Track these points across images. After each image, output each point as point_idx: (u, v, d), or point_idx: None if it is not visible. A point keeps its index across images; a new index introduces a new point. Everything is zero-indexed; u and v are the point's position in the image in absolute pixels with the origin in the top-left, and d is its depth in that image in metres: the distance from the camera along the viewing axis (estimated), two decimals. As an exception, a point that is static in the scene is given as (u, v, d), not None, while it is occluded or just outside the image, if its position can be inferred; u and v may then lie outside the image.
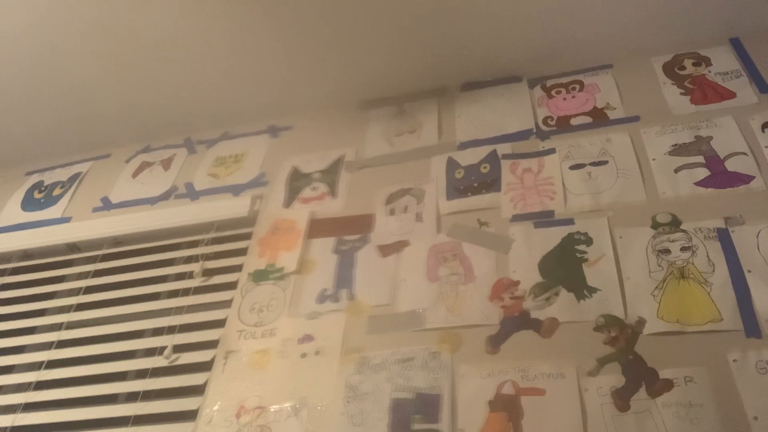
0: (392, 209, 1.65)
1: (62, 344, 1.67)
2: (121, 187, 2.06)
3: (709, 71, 1.66)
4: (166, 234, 1.84)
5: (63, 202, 2.08)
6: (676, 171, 1.46)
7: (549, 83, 1.83)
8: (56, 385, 1.59)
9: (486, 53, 1.84)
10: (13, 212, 2.12)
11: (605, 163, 1.54)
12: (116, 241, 1.90)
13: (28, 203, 2.13)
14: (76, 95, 2.01)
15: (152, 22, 1.77)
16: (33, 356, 1.70)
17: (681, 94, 1.63)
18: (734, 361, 1.12)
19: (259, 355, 1.45)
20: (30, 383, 1.61)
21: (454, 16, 1.72)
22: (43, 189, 2.16)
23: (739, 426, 1.06)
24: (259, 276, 1.62)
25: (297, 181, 1.85)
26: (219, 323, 1.56)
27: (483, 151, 1.71)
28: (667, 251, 1.32)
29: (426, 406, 1.25)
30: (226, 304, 1.60)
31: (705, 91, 1.62)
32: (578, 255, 1.38)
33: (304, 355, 1.42)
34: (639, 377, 1.16)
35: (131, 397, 1.53)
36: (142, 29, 1.79)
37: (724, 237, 1.30)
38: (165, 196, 1.95)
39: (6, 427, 1.53)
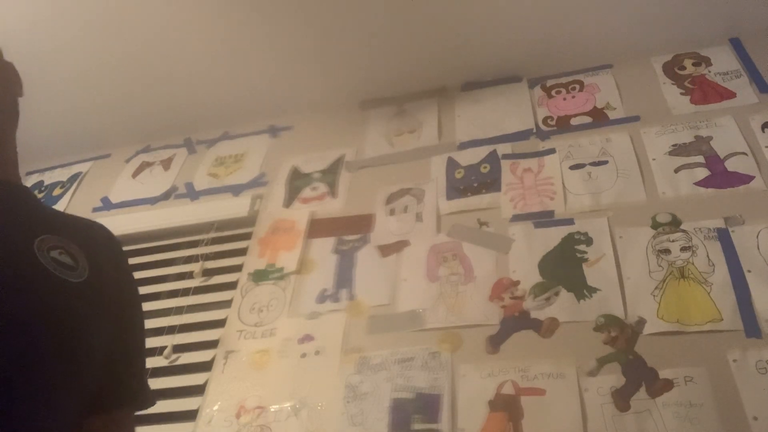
0: (392, 209, 1.65)
1: (62, 344, 1.67)
2: (121, 187, 2.06)
3: (709, 71, 1.66)
4: (166, 234, 1.84)
5: (63, 202, 2.07)
6: (676, 171, 1.46)
7: (549, 83, 1.83)
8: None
9: (486, 53, 1.84)
10: (13, 212, 2.11)
11: (605, 163, 1.54)
12: (116, 241, 1.90)
13: (28, 203, 2.13)
14: (76, 95, 2.01)
15: (152, 22, 1.77)
16: (33, 356, 1.70)
17: (681, 94, 1.63)
18: (734, 361, 1.12)
19: (259, 355, 1.45)
20: (30, 383, 1.61)
21: (455, 17, 1.72)
22: (43, 189, 2.16)
23: (739, 426, 1.06)
24: (259, 276, 1.62)
25: (297, 181, 1.85)
26: (219, 323, 1.56)
27: (483, 151, 1.71)
28: (667, 251, 1.32)
29: (426, 406, 1.25)
30: (226, 304, 1.60)
31: (705, 91, 1.62)
32: (578, 255, 1.38)
33: (304, 355, 1.42)
34: (639, 377, 1.16)
35: (131, 397, 1.52)
36: (142, 29, 1.79)
37: (724, 237, 1.30)
38: (165, 196, 1.95)
39: (6, 427, 1.53)
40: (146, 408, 0.69)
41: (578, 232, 1.42)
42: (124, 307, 0.66)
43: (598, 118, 1.67)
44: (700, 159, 1.46)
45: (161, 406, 1.45)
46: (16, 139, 0.71)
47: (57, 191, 2.13)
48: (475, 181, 1.64)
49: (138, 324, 0.71)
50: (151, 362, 1.54)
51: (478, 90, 1.90)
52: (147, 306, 1.63)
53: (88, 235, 0.65)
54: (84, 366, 0.58)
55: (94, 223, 0.70)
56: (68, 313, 0.56)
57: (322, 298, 1.52)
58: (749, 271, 1.23)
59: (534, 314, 1.32)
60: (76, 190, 2.11)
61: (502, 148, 1.69)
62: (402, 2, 1.69)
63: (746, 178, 1.39)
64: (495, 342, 1.30)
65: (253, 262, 1.66)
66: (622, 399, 1.14)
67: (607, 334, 1.23)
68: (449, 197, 1.62)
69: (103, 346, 0.60)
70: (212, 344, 1.52)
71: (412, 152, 1.79)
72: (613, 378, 1.17)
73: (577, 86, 1.79)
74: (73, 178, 2.16)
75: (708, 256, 1.28)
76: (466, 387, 1.25)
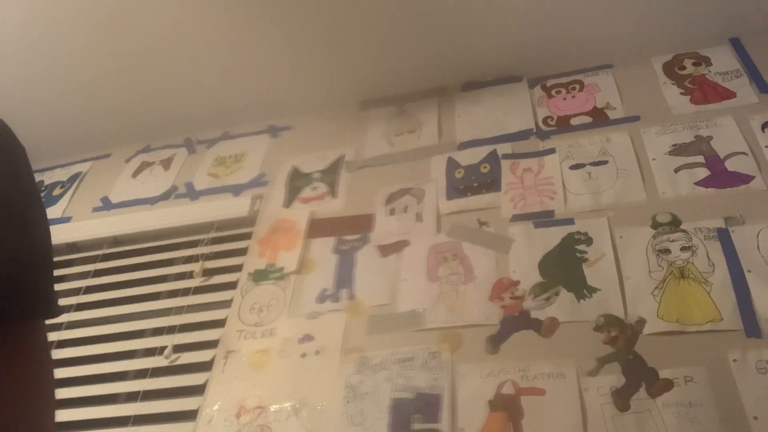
0: (392, 209, 1.65)
1: (62, 344, 1.67)
2: (121, 187, 2.06)
3: (709, 71, 1.66)
4: (166, 234, 1.84)
5: (63, 202, 2.08)
6: (676, 171, 1.46)
7: (549, 83, 1.83)
8: (56, 385, 1.59)
9: (486, 53, 1.84)
10: (13, 212, 2.11)
11: (605, 163, 1.54)
12: (116, 240, 1.90)
13: (28, 203, 2.13)
14: (76, 95, 2.01)
15: (152, 22, 1.77)
16: (33, 356, 1.69)
17: (681, 93, 1.63)
18: (734, 361, 1.12)
19: (259, 355, 1.45)
20: (30, 383, 1.61)
21: (454, 16, 1.72)
22: (43, 189, 2.16)
23: (739, 426, 1.06)
24: (259, 276, 1.62)
25: (297, 180, 1.85)
26: (219, 323, 1.56)
27: (483, 150, 1.71)
28: (667, 251, 1.32)
29: (426, 406, 1.25)
30: (226, 304, 1.60)
31: (705, 91, 1.62)
32: (578, 255, 1.38)
33: (304, 355, 1.42)
34: (639, 377, 1.16)
35: (131, 397, 1.53)
36: (142, 29, 1.79)
37: (724, 237, 1.30)
38: (165, 196, 1.95)
39: (6, 427, 1.53)
40: (50, 317, 0.63)
41: (578, 232, 1.42)
42: (20, 206, 0.59)
43: (598, 118, 1.67)
44: (700, 159, 1.46)
45: (161, 406, 1.46)
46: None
47: (57, 191, 2.13)
48: (475, 180, 1.64)
49: (40, 227, 0.62)
50: (151, 362, 1.54)
51: (478, 90, 1.90)
52: (147, 306, 1.66)
53: None
54: None
55: None
56: None
57: (322, 298, 1.52)
58: (749, 271, 1.23)
59: (534, 314, 1.32)
60: (76, 190, 2.11)
61: (502, 148, 1.69)
62: (402, 2, 1.69)
63: (746, 178, 1.39)
64: (495, 342, 1.30)
65: (253, 262, 1.66)
66: (622, 399, 1.14)
67: (607, 334, 1.23)
68: (449, 197, 1.62)
69: None
70: (212, 344, 1.52)
71: (412, 152, 1.79)
72: (613, 378, 1.17)
73: (577, 86, 1.79)
74: (73, 178, 2.16)
75: (708, 256, 1.28)
76: (466, 387, 1.25)
